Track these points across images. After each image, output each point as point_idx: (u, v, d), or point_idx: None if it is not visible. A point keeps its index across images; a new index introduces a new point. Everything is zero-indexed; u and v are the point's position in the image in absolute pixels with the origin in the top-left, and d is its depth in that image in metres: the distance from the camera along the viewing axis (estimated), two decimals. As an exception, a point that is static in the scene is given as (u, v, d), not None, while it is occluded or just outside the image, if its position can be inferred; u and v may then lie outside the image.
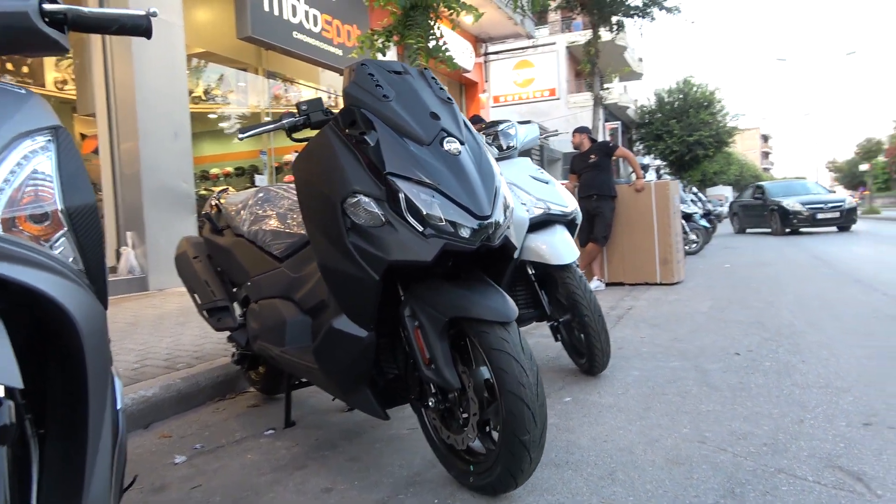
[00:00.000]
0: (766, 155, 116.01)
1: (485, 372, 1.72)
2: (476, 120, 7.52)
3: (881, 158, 50.34)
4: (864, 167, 54.73)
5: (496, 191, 1.78)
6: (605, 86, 15.71)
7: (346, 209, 1.73)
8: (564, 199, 3.16)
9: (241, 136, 1.97)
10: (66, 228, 0.90)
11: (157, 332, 4.14)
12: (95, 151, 6.57)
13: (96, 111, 6.27)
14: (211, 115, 11.99)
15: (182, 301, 5.51)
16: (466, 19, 10.30)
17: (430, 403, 1.80)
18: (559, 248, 2.92)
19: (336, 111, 2.06)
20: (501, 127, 3.34)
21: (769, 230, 16.91)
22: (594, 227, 6.51)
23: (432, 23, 6.20)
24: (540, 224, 3.06)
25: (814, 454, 1.91)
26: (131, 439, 2.60)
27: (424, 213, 1.65)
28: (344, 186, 1.73)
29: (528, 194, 3.09)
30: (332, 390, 2.04)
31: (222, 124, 12.78)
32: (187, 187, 6.55)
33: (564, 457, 2.03)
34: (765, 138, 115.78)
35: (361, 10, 9.75)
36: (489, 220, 1.70)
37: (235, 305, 2.69)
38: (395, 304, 1.85)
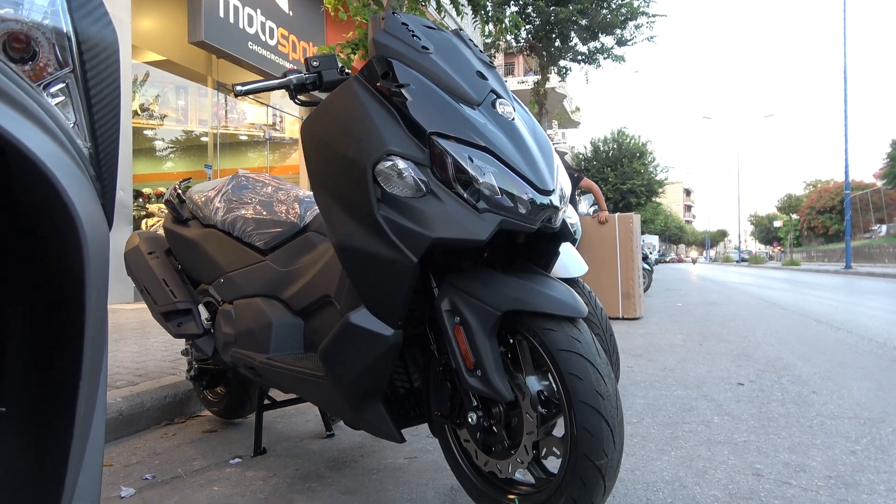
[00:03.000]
0: (688, 208, 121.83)
1: (536, 382, 1.40)
2: None
3: (794, 216, 53.65)
4: (777, 223, 58.14)
5: (555, 159, 1.51)
6: (547, 131, 15.92)
7: (377, 175, 1.40)
8: (567, 212, 2.91)
9: (239, 89, 1.62)
10: (69, 67, 0.54)
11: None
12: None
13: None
14: (147, 132, 11.33)
15: (115, 318, 4.92)
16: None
17: (472, 420, 1.46)
18: (565, 261, 2.66)
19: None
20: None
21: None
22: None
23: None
24: (541, 235, 2.80)
25: (893, 489, 1.68)
26: (58, 469, 2.11)
27: (479, 181, 1.34)
28: (376, 146, 1.40)
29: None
30: (334, 405, 1.66)
31: (158, 143, 12.12)
32: (124, 195, 5.98)
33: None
34: (687, 192, 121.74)
35: (319, 27, 9.48)
36: (551, 197, 1.42)
37: (201, 308, 2.27)
38: (420, 305, 1.53)
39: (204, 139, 10.62)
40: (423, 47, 1.50)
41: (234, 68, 8.45)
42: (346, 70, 1.72)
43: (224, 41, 7.46)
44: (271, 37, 8.46)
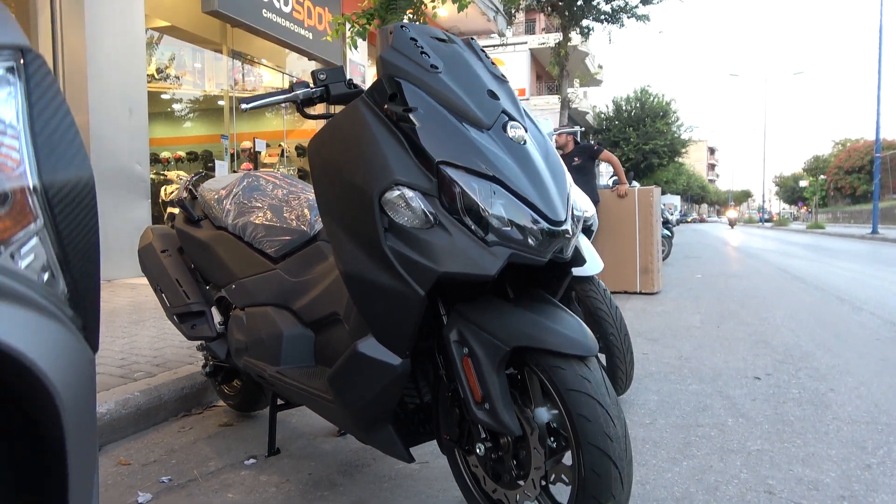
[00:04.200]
0: (711, 167, 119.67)
1: (545, 414, 1.39)
2: None
3: (821, 177, 52.52)
4: (803, 183, 56.99)
5: (567, 185, 1.46)
6: (568, 90, 15.56)
7: (384, 205, 1.37)
8: (582, 203, 2.86)
9: (244, 106, 1.58)
10: (39, 221, 0.52)
11: (108, 331, 3.65)
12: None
13: (42, 80, 5.64)
14: (164, 96, 11.29)
15: (135, 294, 4.99)
16: (441, 12, 9.95)
17: (479, 451, 1.46)
18: (582, 257, 2.61)
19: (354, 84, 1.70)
20: (516, 119, 3.01)
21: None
22: (576, 232, 6.27)
23: (417, 4, 5.82)
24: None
25: (907, 513, 1.66)
26: (79, 466, 2.16)
27: (487, 213, 1.30)
28: (383, 176, 1.37)
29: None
30: (344, 424, 1.67)
31: (176, 105, 12.11)
32: (142, 170, 5.99)
33: (617, 508, 1.72)
34: (711, 151, 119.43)
35: (334, -8, 9.28)
36: (563, 227, 1.38)
37: (213, 310, 2.28)
38: (429, 323, 1.50)
39: (220, 102, 10.56)
40: (433, 66, 1.44)
41: (249, 37, 8.33)
42: (354, 83, 1.67)
43: (238, 10, 7.33)
44: (286, 4, 8.30)
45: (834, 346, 3.76)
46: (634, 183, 10.94)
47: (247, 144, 11.87)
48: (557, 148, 6.74)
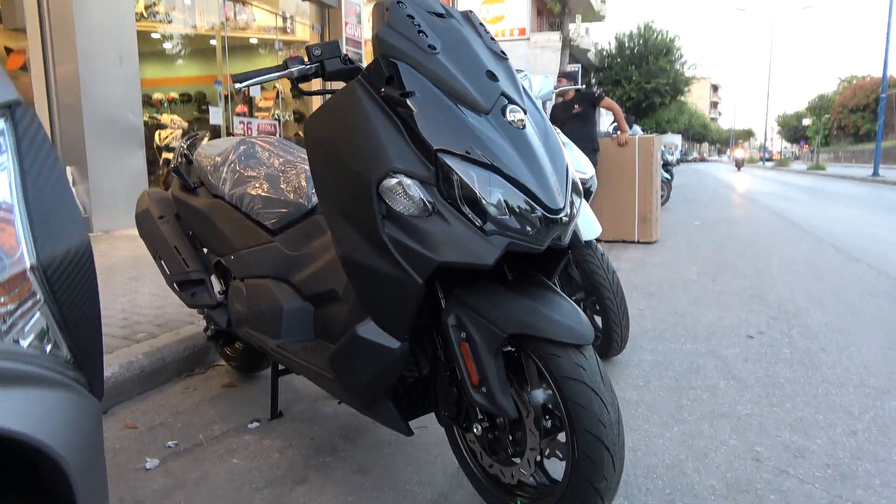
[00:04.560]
0: (714, 105, 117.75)
1: (541, 395, 1.42)
2: None
3: (825, 117, 51.78)
4: (806, 122, 56.24)
5: (566, 174, 1.45)
6: (570, 26, 15.10)
7: (381, 192, 1.36)
8: (582, 165, 2.84)
9: (237, 84, 1.55)
10: (39, 297, 0.52)
11: (108, 288, 3.67)
12: (24, 68, 5.78)
13: (27, 27, 5.47)
14: (154, 35, 10.96)
15: (133, 247, 5.00)
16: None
17: (477, 430, 1.50)
18: (580, 222, 2.61)
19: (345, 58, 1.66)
20: (515, 78, 2.95)
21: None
22: (575, 181, 6.24)
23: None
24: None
25: (887, 483, 1.72)
26: (87, 429, 2.22)
27: (484, 202, 1.30)
28: (381, 163, 1.35)
29: (544, 157, 2.75)
30: (344, 398, 1.71)
31: (167, 45, 11.77)
32: (134, 118, 5.89)
33: (609, 476, 1.78)
34: (714, 88, 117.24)
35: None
36: (560, 214, 1.37)
37: (213, 279, 2.29)
38: (428, 303, 1.52)
39: (213, 42, 10.29)
40: (430, 46, 1.41)
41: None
42: (350, 59, 1.63)
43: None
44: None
45: (828, 301, 3.81)
46: (636, 128, 10.80)
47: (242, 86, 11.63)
48: (558, 96, 6.62)
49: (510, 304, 1.37)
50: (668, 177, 12.54)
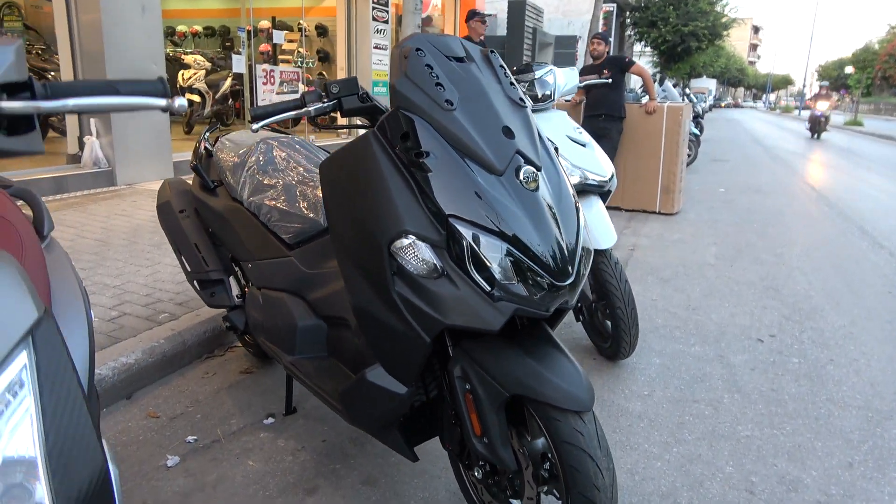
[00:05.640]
0: (753, 48, 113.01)
1: (540, 445, 1.48)
2: (472, 15, 6.80)
3: (870, 70, 49.56)
4: (849, 69, 53.99)
5: (578, 235, 1.45)
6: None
7: (393, 252, 1.39)
8: (602, 166, 2.80)
9: (254, 126, 1.55)
10: None
11: (131, 255, 3.77)
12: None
13: (49, -26, 5.41)
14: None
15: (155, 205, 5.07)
16: None
17: (478, 474, 1.57)
18: (596, 230, 2.61)
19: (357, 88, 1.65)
20: (539, 74, 2.89)
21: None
22: (599, 149, 6.14)
23: None
24: (574, 193, 2.73)
25: (876, 528, 1.77)
26: (113, 414, 2.35)
27: (493, 268, 1.32)
28: (393, 224, 1.37)
29: (563, 159, 2.73)
30: (353, 426, 1.78)
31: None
32: (157, 70, 5.86)
33: (604, 504, 1.86)
34: (755, 30, 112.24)
35: None
36: (568, 281, 1.39)
37: (232, 280, 2.35)
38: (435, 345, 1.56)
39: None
40: (448, 101, 1.40)
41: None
42: (367, 95, 1.62)
43: None
44: None
45: (844, 299, 3.79)
46: (667, 84, 10.47)
47: (265, 24, 11.44)
48: (591, 56, 6.42)
49: (514, 364, 1.41)
50: (697, 132, 12.17)
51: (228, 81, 10.02)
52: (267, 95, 7.90)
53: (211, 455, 2.10)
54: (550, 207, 1.41)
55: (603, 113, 6.09)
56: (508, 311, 1.34)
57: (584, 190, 2.74)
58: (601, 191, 2.79)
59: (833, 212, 6.79)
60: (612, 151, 6.15)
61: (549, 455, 1.46)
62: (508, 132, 1.42)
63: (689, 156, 10.74)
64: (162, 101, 0.78)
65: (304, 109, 1.58)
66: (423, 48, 1.46)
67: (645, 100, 6.44)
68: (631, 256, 4.73)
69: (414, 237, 1.36)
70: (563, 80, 2.98)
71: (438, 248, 1.36)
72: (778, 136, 20.28)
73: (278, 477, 1.98)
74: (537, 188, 1.40)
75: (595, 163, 2.77)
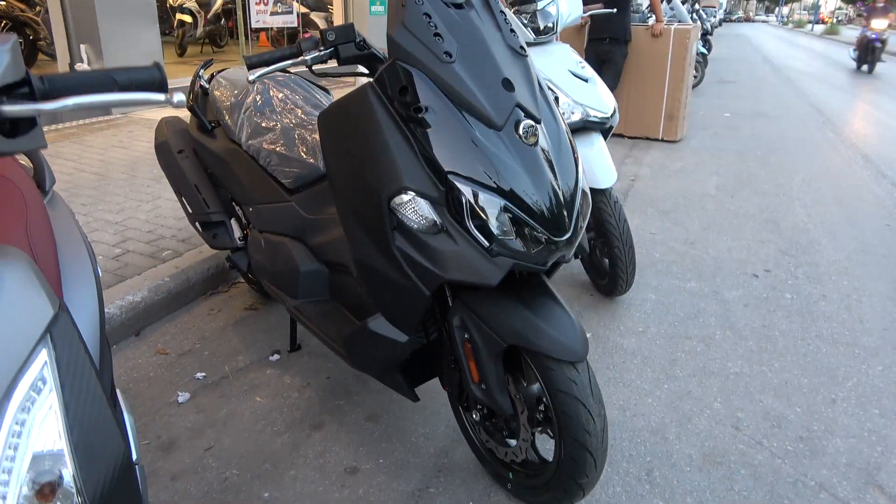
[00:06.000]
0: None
1: (536, 389, 1.54)
2: None
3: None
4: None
5: (576, 188, 1.46)
6: None
7: (393, 207, 1.40)
8: (605, 102, 2.76)
9: (250, 77, 1.53)
10: None
11: (132, 190, 3.77)
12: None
13: None
14: None
15: (152, 136, 5.01)
16: None
17: (475, 417, 1.64)
18: (596, 168, 2.60)
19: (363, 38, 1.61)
20: (540, 5, 2.79)
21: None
22: (602, 74, 5.99)
23: None
24: (574, 130, 2.71)
25: (852, 463, 1.87)
26: (123, 350, 2.43)
27: (491, 224, 1.34)
28: (393, 181, 1.38)
29: (565, 95, 2.68)
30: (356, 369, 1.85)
31: None
32: (148, -5, 5.65)
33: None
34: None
35: None
36: (565, 236, 1.41)
37: (233, 222, 2.37)
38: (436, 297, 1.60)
39: None
40: (447, 53, 1.37)
41: None
42: (364, 43, 1.58)
43: None
44: None
45: (842, 232, 3.81)
46: (675, 2, 10.06)
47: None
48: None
49: (512, 315, 1.45)
50: (705, 51, 11.73)
51: (220, 0, 9.67)
52: (260, 17, 7.63)
53: (220, 391, 2.19)
54: (549, 161, 1.41)
55: (608, 36, 5.89)
56: (506, 266, 1.37)
57: (585, 126, 2.71)
58: (603, 127, 2.76)
59: (838, 139, 6.70)
60: (616, 77, 6.01)
61: (544, 399, 1.53)
62: (508, 84, 1.40)
63: (695, 77, 10.47)
64: (161, 96, 0.78)
65: (300, 59, 1.56)
66: None
67: (651, 21, 6.23)
68: (632, 187, 4.72)
69: (413, 193, 1.37)
70: (567, 9, 2.88)
71: (438, 204, 1.37)
72: (787, 51, 19.64)
73: (285, 413, 2.08)
74: (536, 142, 1.40)
75: (597, 98, 2.73)
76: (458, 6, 1.46)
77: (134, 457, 1.06)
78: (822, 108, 8.84)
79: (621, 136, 6.46)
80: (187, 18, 9.45)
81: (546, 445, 1.66)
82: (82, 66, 5.33)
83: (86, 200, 3.55)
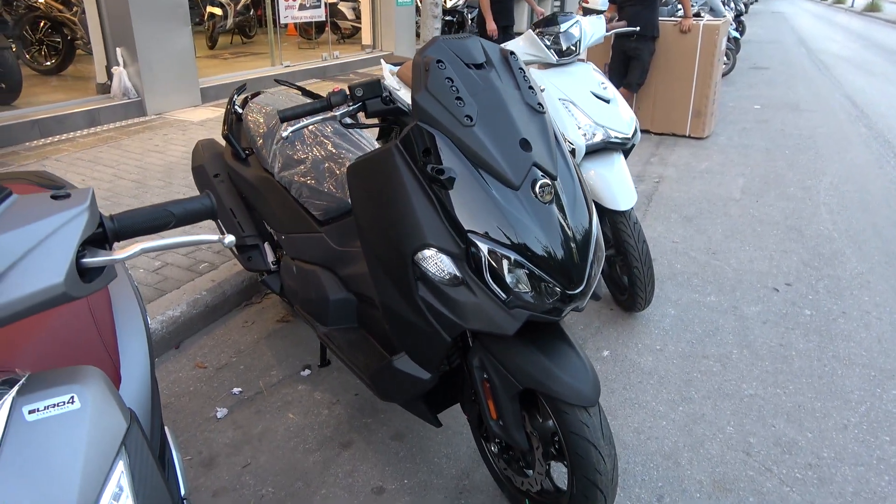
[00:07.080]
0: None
1: (551, 425, 1.64)
2: None
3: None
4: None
5: (590, 240, 1.54)
6: None
7: (416, 261, 1.50)
8: (626, 122, 2.81)
9: (285, 134, 1.63)
10: None
11: (168, 199, 3.92)
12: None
13: None
14: None
15: (186, 139, 5.17)
16: None
17: (494, 449, 1.75)
18: (616, 190, 2.66)
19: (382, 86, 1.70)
20: (563, 27, 2.83)
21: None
22: (629, 70, 5.99)
23: None
24: (595, 151, 2.77)
25: (859, 493, 1.94)
26: (165, 364, 2.58)
27: (508, 280, 1.43)
28: (416, 237, 1.48)
29: (586, 116, 2.74)
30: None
31: None
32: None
33: (611, 463, 2.05)
34: None
35: None
36: (579, 290, 1.49)
37: (266, 246, 2.49)
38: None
39: None
40: (467, 116, 1.46)
41: None
42: (390, 98, 1.67)
43: None
44: None
45: (866, 242, 3.80)
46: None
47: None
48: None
49: (528, 360, 1.54)
50: (737, 34, 11.45)
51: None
52: (289, 12, 7.73)
53: (255, 407, 2.33)
54: (565, 217, 1.49)
55: (635, 33, 5.87)
56: (522, 317, 1.46)
57: (606, 147, 2.77)
58: (624, 147, 2.81)
59: (871, 134, 6.59)
60: (642, 75, 5.99)
61: (557, 436, 1.63)
62: (526, 144, 1.48)
63: (725, 65, 10.29)
64: (214, 237, 0.88)
65: (330, 115, 1.66)
66: (443, 59, 1.49)
67: (680, 14, 6.17)
68: (656, 191, 4.74)
69: (436, 249, 1.46)
70: (590, 30, 2.92)
71: (458, 259, 1.46)
72: (826, 33, 19.09)
73: (316, 430, 2.21)
74: (552, 200, 1.48)
75: (618, 119, 2.78)
76: (479, 66, 1.54)
77: (182, 492, 1.19)
78: (857, 98, 8.66)
79: (648, 132, 6.44)
80: (217, 11, 9.58)
81: (561, 470, 1.76)
82: (119, 70, 5.50)
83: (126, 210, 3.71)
